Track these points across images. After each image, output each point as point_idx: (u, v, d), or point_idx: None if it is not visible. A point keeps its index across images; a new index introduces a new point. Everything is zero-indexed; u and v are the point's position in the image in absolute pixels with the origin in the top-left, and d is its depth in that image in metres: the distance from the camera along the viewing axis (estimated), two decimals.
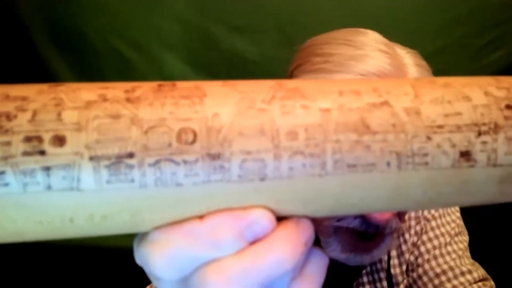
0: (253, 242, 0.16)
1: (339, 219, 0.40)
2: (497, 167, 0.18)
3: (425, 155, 0.17)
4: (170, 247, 0.16)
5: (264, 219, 0.16)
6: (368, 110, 0.17)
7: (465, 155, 0.17)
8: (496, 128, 0.17)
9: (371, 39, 0.39)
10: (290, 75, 0.42)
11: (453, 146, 0.17)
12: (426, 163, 0.17)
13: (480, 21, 1.05)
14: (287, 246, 0.16)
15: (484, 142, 0.17)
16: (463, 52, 1.06)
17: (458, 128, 0.17)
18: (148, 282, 0.52)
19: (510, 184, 0.18)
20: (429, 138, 0.17)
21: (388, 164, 0.17)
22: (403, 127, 0.17)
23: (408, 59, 0.39)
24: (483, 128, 0.17)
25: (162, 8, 1.02)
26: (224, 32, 1.04)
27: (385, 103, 0.17)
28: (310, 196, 0.17)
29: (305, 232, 0.17)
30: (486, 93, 0.18)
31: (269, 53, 1.04)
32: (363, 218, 0.38)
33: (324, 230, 0.41)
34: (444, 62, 1.05)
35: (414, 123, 0.17)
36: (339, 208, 0.18)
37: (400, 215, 0.41)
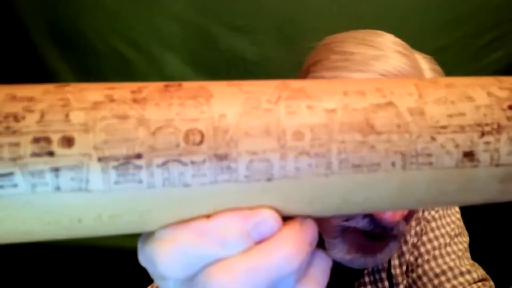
0: (259, 242, 0.16)
1: (348, 218, 0.40)
2: (499, 167, 0.18)
3: (429, 155, 0.17)
4: (177, 245, 0.16)
5: (270, 219, 0.16)
6: (372, 110, 0.17)
7: (469, 155, 0.17)
8: (499, 129, 0.18)
9: (389, 40, 0.39)
10: (306, 71, 0.42)
11: (457, 146, 0.17)
12: (430, 163, 0.17)
13: (480, 21, 1.05)
14: (293, 245, 0.16)
15: (487, 142, 0.17)
16: (463, 52, 1.06)
17: (462, 129, 0.17)
18: (148, 283, 0.52)
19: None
20: (433, 139, 0.17)
21: (393, 164, 0.17)
22: (407, 127, 0.17)
23: (424, 64, 0.40)
24: (486, 129, 0.17)
25: (162, 8, 1.02)
26: (224, 32, 1.04)
27: (390, 104, 0.17)
28: (316, 195, 0.17)
29: (310, 232, 0.17)
30: (489, 94, 0.18)
31: (269, 53, 1.04)
32: (372, 218, 0.38)
33: (330, 230, 0.41)
34: (444, 62, 1.04)
35: (418, 124, 0.17)
36: (344, 207, 0.18)
37: (407, 219, 0.41)
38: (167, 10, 1.02)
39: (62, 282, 1.06)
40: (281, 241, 0.16)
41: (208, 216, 0.16)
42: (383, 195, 0.18)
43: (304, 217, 0.18)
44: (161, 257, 0.16)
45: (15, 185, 0.14)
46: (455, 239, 0.53)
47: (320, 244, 0.44)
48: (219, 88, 0.17)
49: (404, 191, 0.18)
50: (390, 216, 0.37)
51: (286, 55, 1.00)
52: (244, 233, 0.16)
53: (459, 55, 1.06)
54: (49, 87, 0.16)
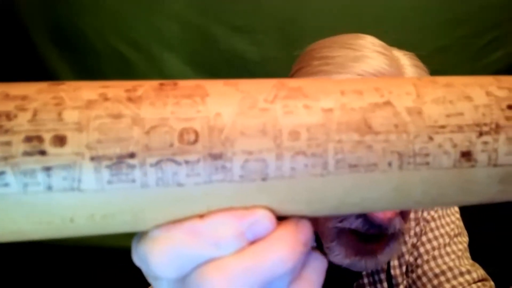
0: (253, 242, 0.16)
1: (342, 220, 0.40)
2: (497, 167, 0.18)
3: (427, 155, 0.17)
4: (170, 244, 0.16)
5: (265, 219, 0.16)
6: (370, 110, 0.17)
7: (466, 155, 0.17)
8: (497, 129, 0.17)
9: (369, 42, 0.40)
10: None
11: (455, 146, 0.17)
12: (427, 163, 0.17)
13: (480, 21, 1.05)
14: (287, 246, 0.16)
15: (485, 142, 0.17)
16: (463, 52, 1.06)
17: (460, 128, 0.17)
18: (148, 283, 0.52)
19: (511, 184, 0.18)
20: (430, 138, 0.17)
21: (390, 164, 0.17)
22: (405, 127, 0.17)
23: (405, 60, 0.40)
24: (485, 129, 0.17)
25: (162, 8, 1.02)
26: (224, 32, 1.04)
27: (388, 103, 0.17)
28: (312, 196, 0.17)
29: (305, 232, 0.17)
30: (488, 93, 0.18)
31: (270, 53, 1.04)
32: (365, 218, 0.38)
33: (326, 233, 0.41)
34: (444, 62, 1.05)
35: (416, 123, 0.17)
36: (341, 207, 0.18)
37: (404, 216, 0.41)
38: (167, 10, 1.02)
39: (61, 282, 1.07)
40: (276, 241, 0.16)
41: (202, 216, 0.16)
42: (381, 195, 0.17)
43: (300, 217, 0.18)
44: (154, 257, 0.16)
45: (6, 184, 0.14)
46: (455, 239, 0.53)
47: (319, 249, 0.44)
48: (215, 87, 0.17)
49: (402, 192, 0.17)
50: (382, 213, 0.37)
51: (286, 55, 1.00)
52: (238, 233, 0.16)
53: (459, 55, 1.06)
54: (43, 85, 0.16)
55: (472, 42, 1.06)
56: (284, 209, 0.17)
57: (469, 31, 1.05)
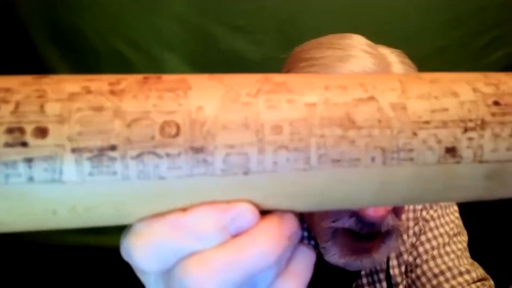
0: (236, 236, 0.16)
1: (335, 219, 0.40)
2: (483, 164, 0.18)
3: (410, 150, 0.17)
4: (152, 238, 0.16)
5: (247, 213, 0.16)
6: (353, 105, 0.17)
7: (451, 151, 0.17)
8: (483, 125, 0.17)
9: (355, 41, 0.40)
10: None
11: (439, 142, 0.17)
12: (411, 159, 0.17)
13: (480, 21, 1.05)
14: (270, 239, 0.16)
15: (470, 138, 0.17)
16: (463, 52, 1.06)
17: (444, 124, 0.17)
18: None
19: (497, 181, 0.18)
20: (414, 134, 0.17)
21: (373, 159, 0.17)
22: (388, 123, 0.17)
23: (393, 57, 0.40)
24: (470, 124, 0.17)
25: (162, 8, 1.02)
26: (224, 32, 1.04)
27: (371, 98, 0.17)
28: (295, 190, 0.17)
29: (289, 226, 0.17)
30: (474, 89, 0.18)
31: (270, 53, 1.04)
32: (358, 217, 0.39)
33: (321, 233, 0.42)
34: (444, 62, 1.05)
35: (400, 119, 0.17)
36: (326, 203, 0.18)
37: (396, 212, 0.41)
38: (167, 10, 1.02)
39: (60, 282, 1.07)
40: (258, 234, 0.16)
41: (184, 210, 0.16)
42: (365, 191, 0.17)
43: (284, 211, 0.17)
44: (138, 251, 0.16)
45: None
46: (454, 238, 0.53)
47: (316, 248, 0.44)
48: (199, 81, 0.17)
49: (386, 187, 0.17)
50: (373, 211, 0.37)
51: (286, 55, 1.00)
52: (220, 227, 0.16)
53: (459, 55, 1.06)
54: (27, 78, 0.16)
55: (472, 42, 1.06)
56: (267, 204, 0.17)
57: (469, 31, 1.05)
